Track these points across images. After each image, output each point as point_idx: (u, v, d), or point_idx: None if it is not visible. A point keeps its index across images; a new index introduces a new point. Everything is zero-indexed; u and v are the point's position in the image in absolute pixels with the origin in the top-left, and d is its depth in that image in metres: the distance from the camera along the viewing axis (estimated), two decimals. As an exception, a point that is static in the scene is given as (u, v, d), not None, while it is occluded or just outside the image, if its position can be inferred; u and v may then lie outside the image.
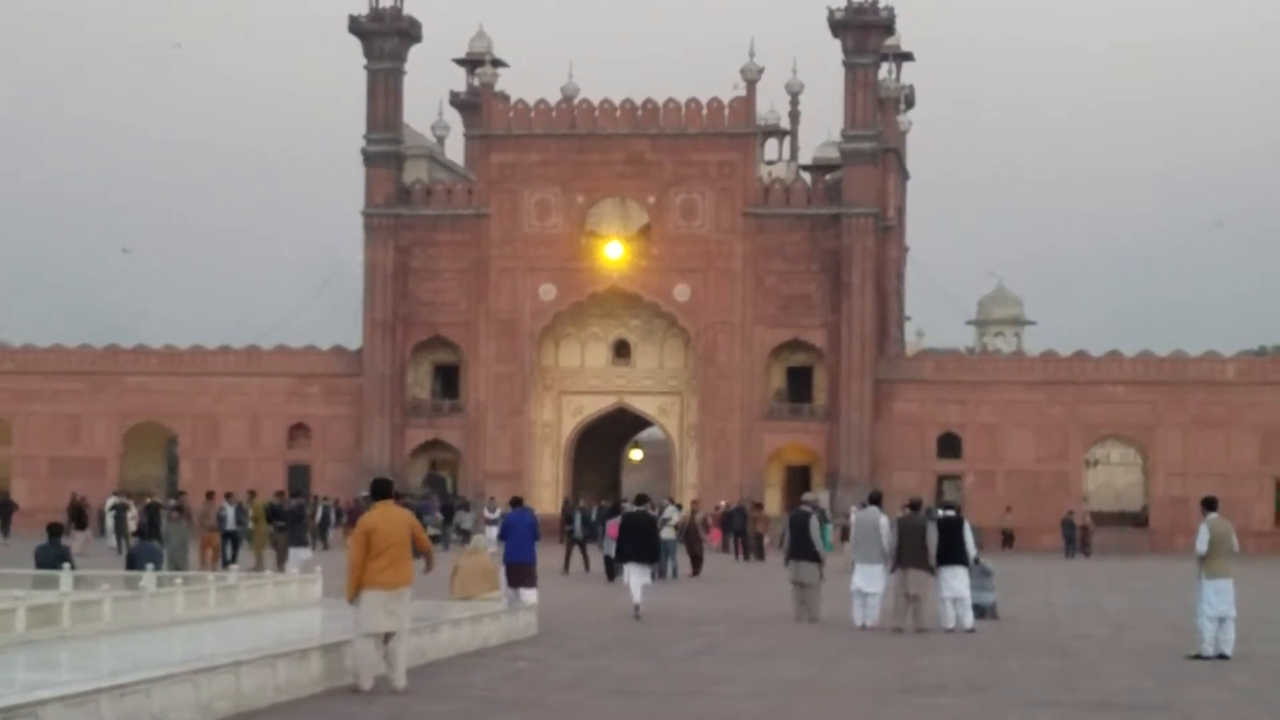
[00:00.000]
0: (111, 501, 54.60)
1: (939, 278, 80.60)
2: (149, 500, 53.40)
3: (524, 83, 71.47)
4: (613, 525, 33.72)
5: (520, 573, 25.13)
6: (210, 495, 41.24)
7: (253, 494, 43.34)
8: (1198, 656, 19.83)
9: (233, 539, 38.03)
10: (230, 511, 38.77)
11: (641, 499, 31.88)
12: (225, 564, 34.44)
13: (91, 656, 14.60)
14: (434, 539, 36.63)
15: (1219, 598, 20.07)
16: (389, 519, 16.00)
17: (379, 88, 67.01)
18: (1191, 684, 17.44)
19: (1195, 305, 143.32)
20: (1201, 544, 20.39)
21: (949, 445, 65.54)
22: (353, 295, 68.55)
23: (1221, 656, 19.75)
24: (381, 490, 17.04)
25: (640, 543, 27.60)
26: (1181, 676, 18.20)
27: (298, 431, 68.89)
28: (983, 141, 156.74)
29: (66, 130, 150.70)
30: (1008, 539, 60.75)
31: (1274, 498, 63.99)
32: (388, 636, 15.60)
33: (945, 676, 17.76)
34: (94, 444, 69.09)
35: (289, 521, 38.83)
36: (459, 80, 77.31)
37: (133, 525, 46.34)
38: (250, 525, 38.72)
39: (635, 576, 26.59)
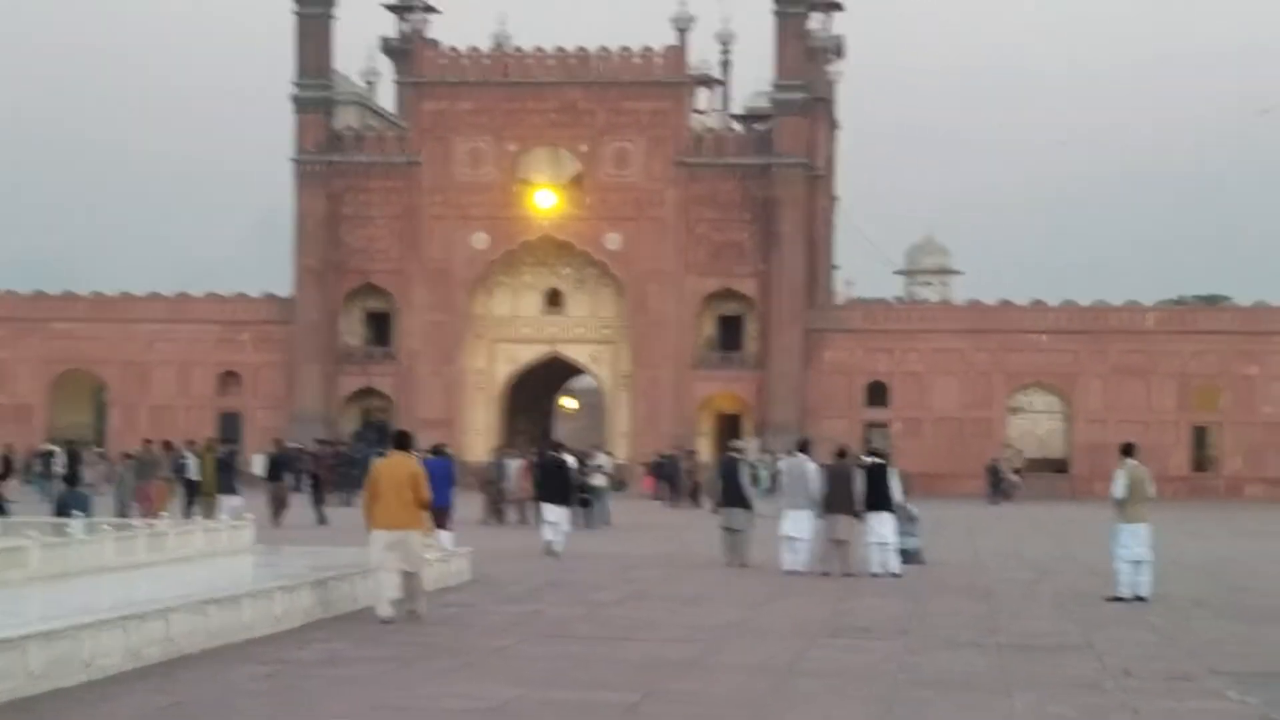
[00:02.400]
0: (41, 449, 54.24)
1: (868, 227, 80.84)
2: (69, 445, 53.00)
3: (456, 29, 71.03)
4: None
5: (438, 515, 25.49)
6: (167, 445, 40.19)
7: (210, 442, 42.92)
8: (1115, 599, 20.10)
9: (191, 487, 37.48)
10: (191, 461, 38.40)
11: (556, 446, 35.43)
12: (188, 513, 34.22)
13: (20, 602, 14.46)
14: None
15: (1135, 541, 20.36)
16: (393, 466, 17.36)
17: (309, 32, 66.23)
18: (1109, 625, 17.63)
19: (1118, 256, 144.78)
20: (1119, 489, 20.67)
21: (876, 393, 65.95)
22: (284, 242, 68.03)
23: (1138, 598, 20.03)
24: (397, 441, 18.49)
25: (552, 485, 29.40)
26: (1100, 618, 18.41)
27: (228, 379, 68.41)
28: (912, 92, 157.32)
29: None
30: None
31: (1191, 444, 64.86)
32: (406, 572, 17.05)
33: (871, 619, 17.87)
34: (19, 391, 68.42)
35: (222, 469, 38.45)
36: (390, 26, 76.23)
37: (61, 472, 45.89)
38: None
39: (548, 514, 28.52)
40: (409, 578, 17.06)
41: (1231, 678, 13.54)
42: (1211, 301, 75.99)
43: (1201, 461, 65.01)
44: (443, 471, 28.02)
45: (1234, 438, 64.80)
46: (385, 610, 16.73)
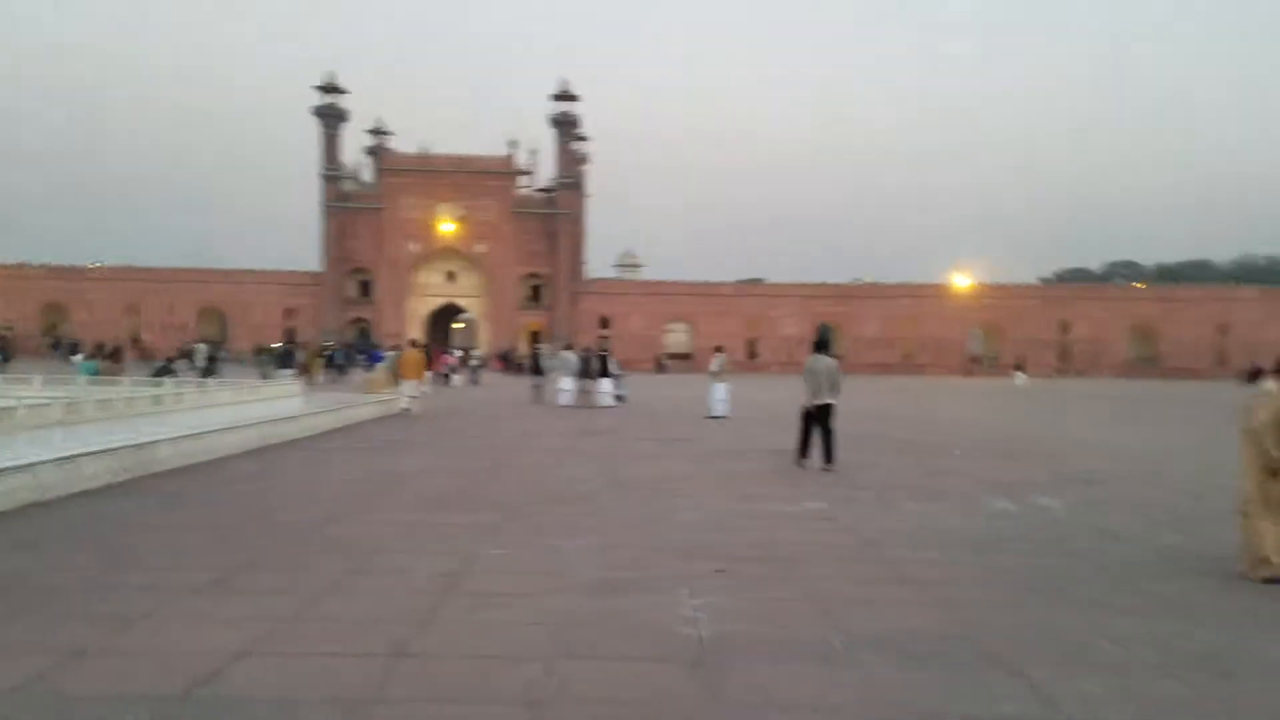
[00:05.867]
0: (189, 345, 51.20)
1: (601, 242, 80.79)
2: (211, 344, 49.98)
3: (402, 142, 68.54)
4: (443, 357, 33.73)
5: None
6: (303, 343, 39.65)
7: (297, 342, 40.37)
8: (711, 418, 20.72)
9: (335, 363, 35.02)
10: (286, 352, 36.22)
11: (427, 345, 34.56)
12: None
13: (181, 419, 13.66)
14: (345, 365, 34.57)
15: (720, 390, 20.95)
16: (412, 354, 19.99)
17: (330, 143, 63.02)
18: (709, 430, 18.06)
19: (704, 252, 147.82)
20: (714, 366, 21.25)
21: (604, 323, 66.14)
22: (315, 243, 65.14)
23: (722, 418, 20.69)
24: (413, 343, 20.98)
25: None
26: (703, 425, 18.84)
27: (290, 312, 65.07)
28: (620, 180, 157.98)
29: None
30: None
31: (746, 347, 66.90)
32: (413, 398, 19.52)
33: (601, 427, 18.02)
34: (182, 316, 64.05)
35: (282, 356, 36.38)
36: (369, 139, 72.83)
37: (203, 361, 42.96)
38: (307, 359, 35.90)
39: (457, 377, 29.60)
40: (414, 400, 19.53)
41: (764, 451, 14.09)
42: (756, 281, 78.05)
43: (752, 354, 67.02)
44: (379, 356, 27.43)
45: (766, 343, 66.85)
46: (404, 409, 19.13)
